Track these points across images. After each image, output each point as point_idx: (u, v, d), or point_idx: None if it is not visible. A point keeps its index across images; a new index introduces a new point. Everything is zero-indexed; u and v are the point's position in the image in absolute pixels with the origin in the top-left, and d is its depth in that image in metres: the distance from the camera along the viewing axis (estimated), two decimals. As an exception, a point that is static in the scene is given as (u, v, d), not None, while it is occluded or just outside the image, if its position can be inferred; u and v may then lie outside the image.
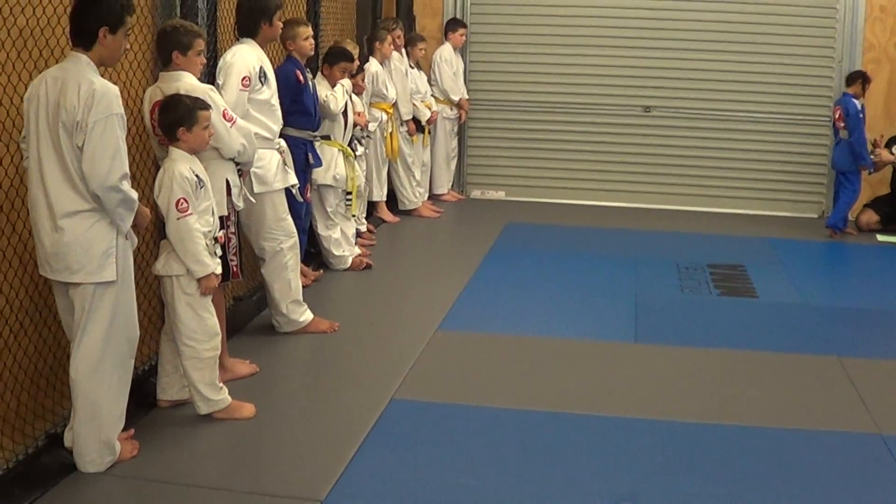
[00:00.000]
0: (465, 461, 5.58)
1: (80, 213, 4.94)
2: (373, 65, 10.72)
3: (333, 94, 8.85)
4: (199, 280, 5.79)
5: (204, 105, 5.84)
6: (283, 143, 7.46)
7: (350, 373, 6.96)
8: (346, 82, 9.13)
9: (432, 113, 12.05)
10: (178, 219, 5.67)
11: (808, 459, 5.73)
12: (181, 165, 5.72)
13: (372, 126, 10.47)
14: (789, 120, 12.72)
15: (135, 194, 5.05)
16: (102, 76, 4.98)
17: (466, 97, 12.86)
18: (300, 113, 8.15)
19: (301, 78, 8.13)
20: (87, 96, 4.80)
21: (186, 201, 5.67)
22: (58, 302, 5.20)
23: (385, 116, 10.97)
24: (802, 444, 5.92)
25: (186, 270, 5.76)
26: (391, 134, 11.13)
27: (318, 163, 8.56)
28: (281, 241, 7.35)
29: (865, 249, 11.24)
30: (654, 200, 13.11)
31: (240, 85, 6.92)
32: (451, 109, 12.69)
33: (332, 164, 9.00)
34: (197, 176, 5.77)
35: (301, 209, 8.05)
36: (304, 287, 7.87)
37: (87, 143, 4.81)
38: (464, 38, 12.74)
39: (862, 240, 11.57)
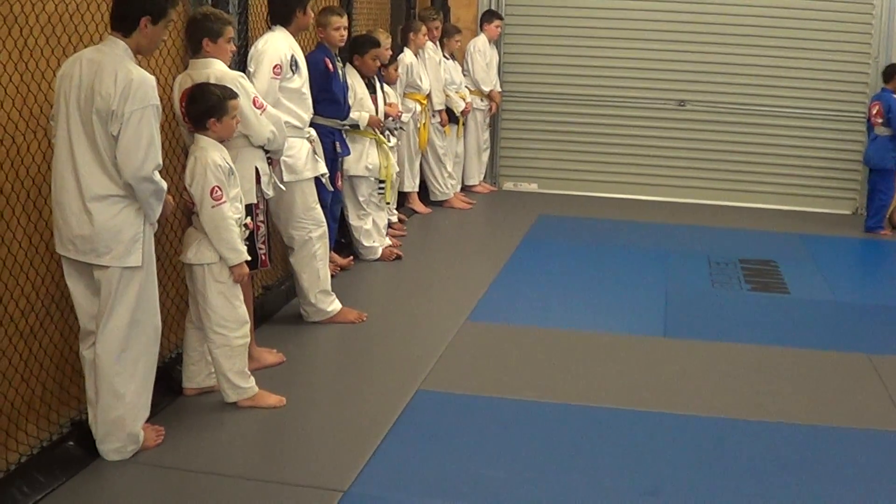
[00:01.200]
0: (490, 453, 5.56)
1: (110, 197, 4.94)
2: (407, 56, 10.72)
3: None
4: (231, 268, 5.80)
5: (232, 94, 5.85)
6: (313, 132, 7.44)
7: (377, 363, 6.96)
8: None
9: (466, 104, 12.03)
10: (213, 207, 5.68)
11: (836, 457, 5.68)
12: (213, 154, 5.73)
13: (405, 117, 10.47)
14: (824, 115, 12.64)
15: (164, 185, 5.06)
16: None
17: (498, 89, 12.84)
18: (328, 101, 8.13)
19: (330, 66, 8.11)
20: (125, 85, 4.80)
21: (220, 189, 5.69)
22: (73, 284, 5.14)
23: (419, 107, 10.96)
24: (830, 442, 5.88)
25: (219, 258, 5.78)
26: (423, 125, 11.11)
27: (346, 151, 8.56)
28: (310, 231, 7.34)
29: (899, 246, 11.19)
30: (686, 195, 13.06)
31: (271, 73, 6.93)
32: (482, 101, 12.64)
33: (364, 155, 9.00)
34: (228, 164, 5.79)
35: (328, 197, 8.02)
36: (332, 275, 7.88)
37: (122, 133, 4.82)
38: (499, 29, 12.71)
39: (895, 237, 11.49)
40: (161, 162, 4.98)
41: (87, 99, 4.84)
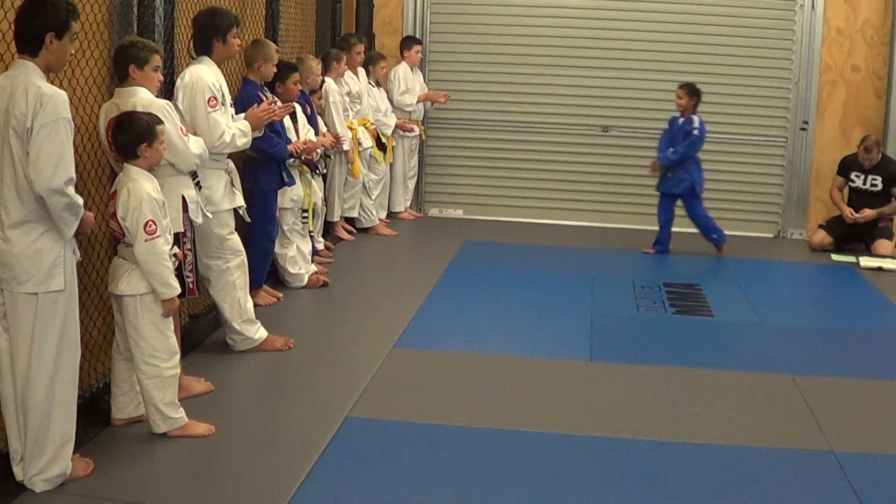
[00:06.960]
0: (420, 479, 5.57)
1: (27, 222, 4.92)
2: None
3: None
4: (163, 301, 5.77)
5: (159, 120, 5.85)
6: (230, 163, 7.38)
7: (305, 390, 6.94)
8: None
9: (398, 121, 12.23)
10: (147, 241, 5.65)
11: (762, 477, 5.75)
12: (147, 185, 5.70)
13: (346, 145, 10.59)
14: (746, 140, 12.84)
15: (80, 200, 5.02)
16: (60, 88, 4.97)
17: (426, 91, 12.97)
18: (271, 134, 8.10)
19: (265, 99, 8.01)
20: (35, 101, 4.78)
21: (155, 223, 5.66)
22: None
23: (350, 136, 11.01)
24: (756, 462, 5.95)
25: (151, 289, 5.75)
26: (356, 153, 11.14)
27: (292, 181, 8.56)
28: (228, 260, 7.27)
29: (820, 269, 11.34)
30: (611, 219, 13.17)
31: (207, 108, 6.89)
32: (412, 131, 12.70)
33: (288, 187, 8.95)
34: (160, 196, 5.78)
35: (275, 232, 8.01)
36: (267, 305, 7.93)
37: (32, 145, 4.79)
38: (419, 55, 12.77)
39: (816, 259, 11.67)
40: (74, 176, 4.93)
41: (3, 123, 4.83)
